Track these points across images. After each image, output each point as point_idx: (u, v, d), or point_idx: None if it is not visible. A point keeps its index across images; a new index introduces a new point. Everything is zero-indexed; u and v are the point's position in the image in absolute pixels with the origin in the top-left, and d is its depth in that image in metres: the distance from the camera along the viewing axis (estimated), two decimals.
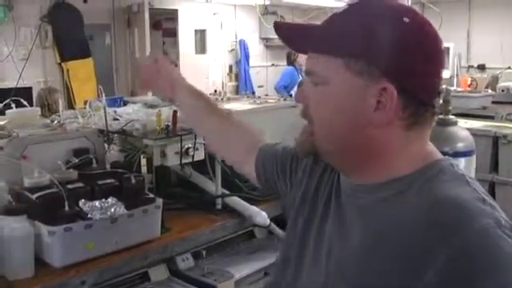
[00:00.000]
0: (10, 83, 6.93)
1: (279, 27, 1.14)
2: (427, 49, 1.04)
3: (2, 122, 2.73)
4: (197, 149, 2.61)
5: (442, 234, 0.92)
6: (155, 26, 9.28)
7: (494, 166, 4.97)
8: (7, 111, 2.92)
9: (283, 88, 7.60)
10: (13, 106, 2.96)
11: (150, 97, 3.43)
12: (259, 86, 10.32)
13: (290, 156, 1.41)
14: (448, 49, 8.40)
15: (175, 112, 2.56)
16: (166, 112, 2.64)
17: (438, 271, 0.90)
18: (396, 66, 1.00)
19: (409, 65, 1.01)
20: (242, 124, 1.69)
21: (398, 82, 1.00)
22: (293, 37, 1.15)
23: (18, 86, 6.78)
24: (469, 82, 7.80)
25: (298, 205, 1.29)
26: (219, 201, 2.85)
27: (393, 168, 1.06)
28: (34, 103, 5.28)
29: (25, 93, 5.83)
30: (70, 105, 6.84)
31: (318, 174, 1.27)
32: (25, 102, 3.05)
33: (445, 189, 1.00)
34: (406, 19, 1.02)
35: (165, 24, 9.68)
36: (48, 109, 5.04)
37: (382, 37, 1.00)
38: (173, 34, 9.45)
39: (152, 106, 3.10)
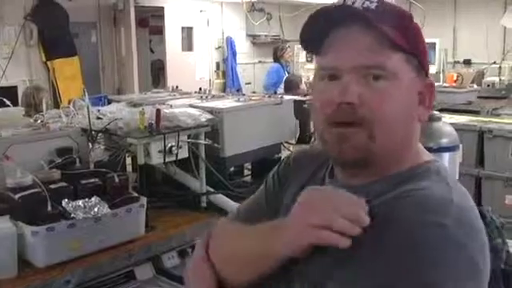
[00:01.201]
0: None
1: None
2: None
3: None
4: (180, 147, 2.61)
5: (396, 230, 0.92)
6: (141, 23, 9.24)
7: (480, 161, 5.01)
8: None
9: (273, 85, 7.63)
10: None
11: (134, 95, 3.42)
12: (247, 83, 10.30)
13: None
14: (434, 44, 8.41)
15: (158, 110, 2.56)
16: (150, 110, 2.64)
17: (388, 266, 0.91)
18: (427, 63, 1.09)
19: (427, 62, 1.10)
20: None
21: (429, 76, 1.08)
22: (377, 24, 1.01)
23: (2, 85, 6.71)
24: (455, 78, 7.82)
25: (284, 209, 1.27)
26: (204, 198, 2.85)
27: (383, 167, 1.06)
28: (20, 102, 5.24)
29: (9, 92, 5.79)
30: (56, 104, 6.77)
31: (301, 174, 1.26)
32: (8, 102, 3.03)
33: (419, 188, 0.99)
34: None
35: (151, 21, 9.64)
36: (35, 108, 5.00)
37: (420, 36, 1.08)
38: (159, 31, 9.41)
39: (136, 105, 3.10)
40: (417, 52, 1.05)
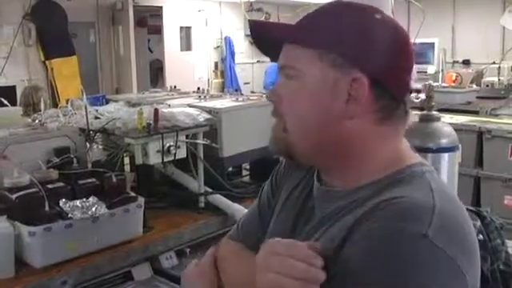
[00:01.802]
0: None
1: (255, 24, 1.14)
2: (399, 44, 1.05)
3: None
4: (178, 147, 2.60)
5: (377, 243, 0.91)
6: (140, 23, 9.23)
7: (479, 161, 5.01)
8: None
9: (271, 84, 7.64)
10: None
11: (133, 95, 3.41)
12: (245, 83, 10.30)
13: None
14: (433, 44, 8.40)
15: (156, 110, 2.55)
16: (148, 110, 2.63)
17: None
18: (367, 57, 1.02)
19: (380, 57, 1.02)
20: None
21: (369, 72, 1.01)
22: (270, 30, 1.13)
23: (1, 84, 6.69)
24: (454, 78, 7.80)
25: (275, 208, 1.27)
26: (202, 199, 2.84)
27: (366, 172, 1.04)
28: (19, 102, 5.23)
29: (8, 91, 5.77)
30: (55, 103, 6.76)
31: (293, 177, 1.26)
32: (6, 102, 3.02)
33: (400, 196, 0.96)
34: (377, 16, 1.05)
35: (150, 21, 9.63)
36: (33, 108, 4.98)
37: (353, 30, 1.02)
38: (158, 31, 9.40)
39: (134, 105, 3.09)
40: (332, 47, 1.02)
